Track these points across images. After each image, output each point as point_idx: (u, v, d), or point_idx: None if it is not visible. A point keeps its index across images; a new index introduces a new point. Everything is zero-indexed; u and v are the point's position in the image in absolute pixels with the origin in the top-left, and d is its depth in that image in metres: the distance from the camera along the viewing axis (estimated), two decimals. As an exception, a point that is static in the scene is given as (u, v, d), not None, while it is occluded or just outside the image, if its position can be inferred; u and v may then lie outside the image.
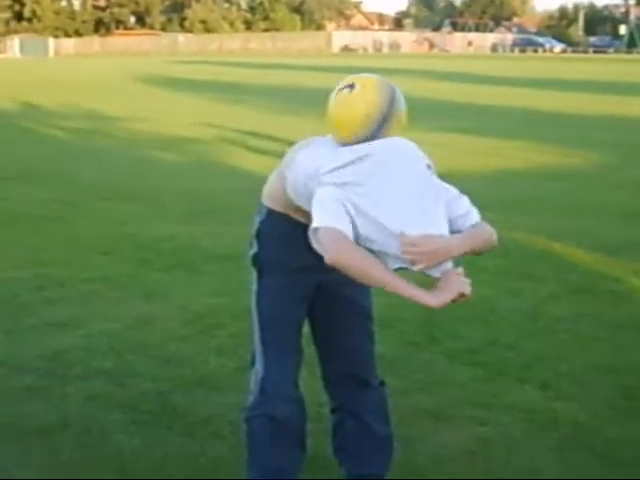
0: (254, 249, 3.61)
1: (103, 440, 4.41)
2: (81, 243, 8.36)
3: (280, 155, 3.58)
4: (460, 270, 3.17)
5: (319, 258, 3.36)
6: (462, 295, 3.11)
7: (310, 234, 3.17)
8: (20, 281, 7.06)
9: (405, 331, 5.67)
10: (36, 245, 8.25)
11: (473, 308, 6.28)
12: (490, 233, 3.32)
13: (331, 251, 3.07)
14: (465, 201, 3.32)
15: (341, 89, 3.34)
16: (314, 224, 3.12)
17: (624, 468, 4.19)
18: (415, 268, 3.08)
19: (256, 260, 3.61)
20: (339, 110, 3.33)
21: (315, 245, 3.18)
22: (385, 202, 3.11)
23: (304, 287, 3.56)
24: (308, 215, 3.39)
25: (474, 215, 3.30)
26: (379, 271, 3.08)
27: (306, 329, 3.74)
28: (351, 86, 3.33)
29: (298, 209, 3.46)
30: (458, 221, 3.26)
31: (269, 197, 3.59)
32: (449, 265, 3.16)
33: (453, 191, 3.33)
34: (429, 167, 3.26)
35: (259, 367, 3.62)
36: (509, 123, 19.47)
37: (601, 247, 8.14)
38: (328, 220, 3.08)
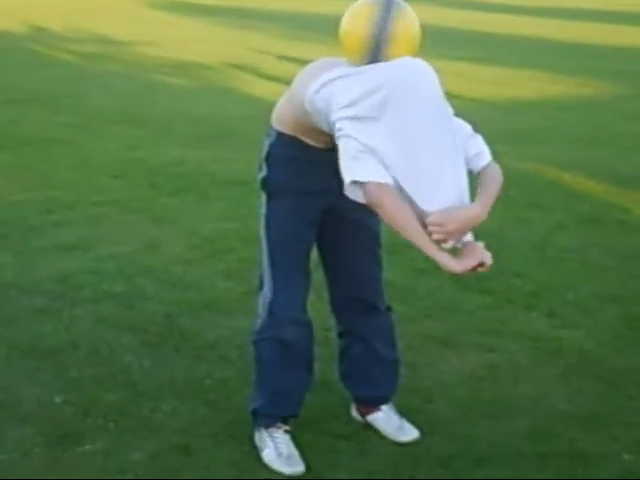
0: (263, 172, 3.59)
1: (112, 361, 4.46)
2: (91, 166, 8.33)
3: (291, 82, 3.54)
4: (481, 244, 3.18)
5: (328, 182, 3.36)
6: (482, 264, 3.13)
7: (349, 186, 3.13)
8: (29, 204, 7.06)
9: (414, 258, 5.65)
10: (46, 168, 8.23)
11: (482, 237, 6.26)
12: (499, 175, 3.30)
13: (377, 196, 3.05)
14: (478, 140, 3.29)
15: None
16: (357, 177, 3.07)
17: (631, 390, 4.25)
18: (446, 246, 3.10)
19: (265, 183, 3.60)
20: (340, 27, 3.31)
21: (351, 194, 3.16)
22: (409, 175, 3.08)
23: (313, 211, 3.54)
24: (318, 138, 3.38)
25: (486, 155, 3.28)
26: (414, 228, 3.07)
27: (314, 254, 3.74)
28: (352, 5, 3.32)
29: (308, 132, 3.43)
30: (472, 161, 3.25)
31: (278, 120, 3.55)
32: (469, 236, 3.20)
33: (467, 129, 3.29)
34: (450, 116, 3.22)
35: (267, 291, 3.63)
36: (521, 52, 19.25)
37: (612, 178, 8.11)
38: (375, 175, 3.04)
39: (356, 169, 3.07)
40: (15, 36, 21.26)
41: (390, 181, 3.05)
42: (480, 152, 3.27)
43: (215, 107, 11.78)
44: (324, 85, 3.20)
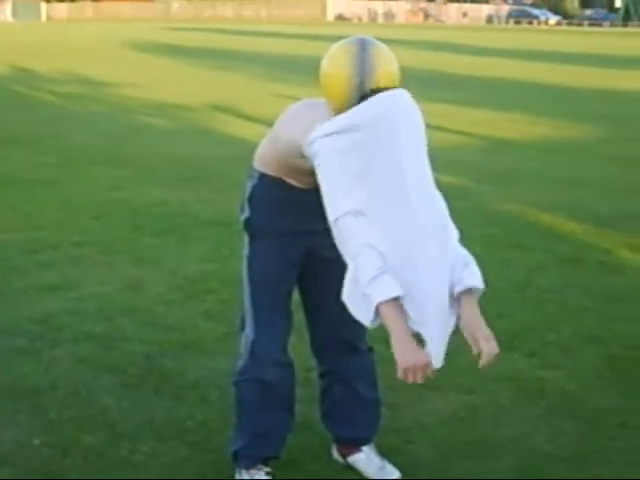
0: (246, 214, 3.60)
1: (91, 402, 4.42)
2: (73, 207, 8.35)
3: (272, 123, 3.56)
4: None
5: (311, 222, 3.37)
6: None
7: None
8: (12, 244, 7.06)
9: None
10: (29, 209, 8.24)
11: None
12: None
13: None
14: (462, 251, 3.27)
15: None
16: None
17: (613, 430, 4.23)
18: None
19: (248, 225, 3.60)
20: (321, 71, 3.29)
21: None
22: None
23: (295, 252, 3.55)
24: (301, 179, 3.38)
25: (477, 275, 3.28)
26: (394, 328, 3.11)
27: (295, 296, 3.74)
28: None
29: (292, 173, 3.44)
30: (457, 271, 3.20)
31: (261, 161, 3.56)
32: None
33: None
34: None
35: (249, 331, 3.62)
36: (503, 95, 19.43)
37: (592, 219, 8.15)
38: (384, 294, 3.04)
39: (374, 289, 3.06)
40: (-2, 77, 21.31)
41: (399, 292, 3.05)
42: (472, 267, 3.26)
43: (196, 148, 11.83)
44: (324, 136, 3.19)
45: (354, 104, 3.17)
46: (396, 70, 3.29)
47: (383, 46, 3.28)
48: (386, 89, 3.16)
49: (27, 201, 8.54)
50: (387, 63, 3.25)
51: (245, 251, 3.63)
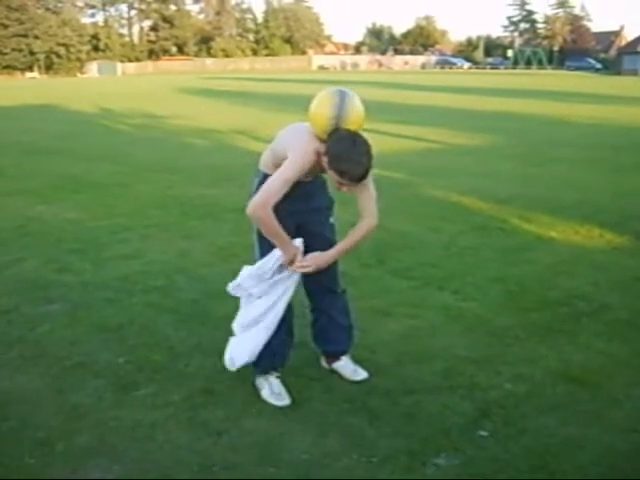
0: (254, 201, 3.56)
1: (157, 332, 4.40)
2: (141, 201, 8.28)
3: (272, 139, 3.53)
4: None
5: (298, 205, 3.36)
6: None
7: None
8: (100, 228, 7.00)
9: (361, 256, 5.67)
10: (111, 203, 8.17)
11: (408, 240, 6.29)
12: (363, 231, 3.39)
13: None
14: None
15: None
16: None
17: (509, 340, 4.24)
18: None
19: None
20: (310, 109, 3.26)
21: None
22: None
23: (289, 225, 3.47)
24: None
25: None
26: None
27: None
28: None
29: None
30: None
31: (263, 164, 3.53)
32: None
33: None
34: None
35: (261, 281, 3.59)
36: (433, 117, 19.33)
37: (494, 199, 8.14)
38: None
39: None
40: (87, 114, 21.15)
41: None
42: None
43: (225, 159, 11.74)
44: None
45: (329, 133, 3.16)
46: (362, 114, 3.25)
47: (356, 97, 3.24)
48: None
49: (109, 198, 8.46)
50: (357, 109, 3.22)
51: (255, 227, 3.58)
